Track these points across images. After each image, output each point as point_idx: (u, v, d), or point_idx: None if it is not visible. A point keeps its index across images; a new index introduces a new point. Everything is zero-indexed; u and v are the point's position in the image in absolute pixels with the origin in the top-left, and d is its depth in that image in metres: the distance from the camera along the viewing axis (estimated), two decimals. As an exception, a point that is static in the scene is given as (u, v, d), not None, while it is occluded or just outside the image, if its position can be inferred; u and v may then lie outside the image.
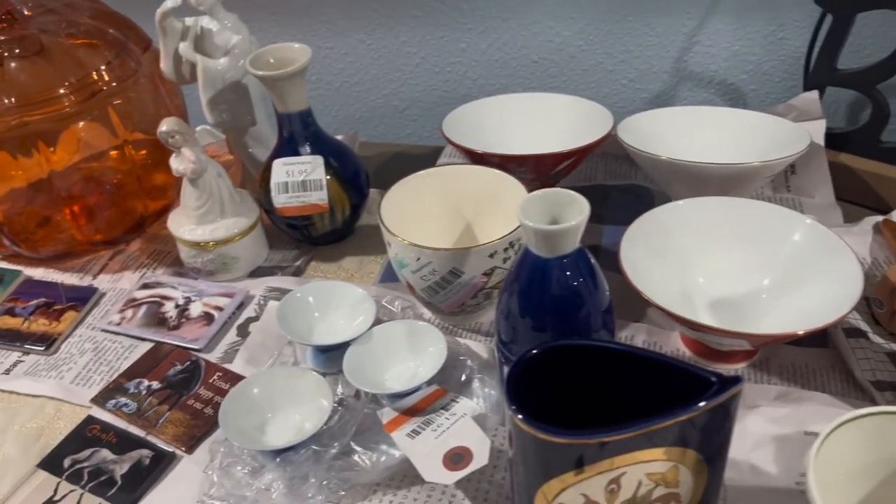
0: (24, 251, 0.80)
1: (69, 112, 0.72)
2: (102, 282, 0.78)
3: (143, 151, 0.80)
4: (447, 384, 0.59)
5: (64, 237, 0.80)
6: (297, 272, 0.77)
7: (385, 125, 1.06)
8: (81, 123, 0.73)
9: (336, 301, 0.66)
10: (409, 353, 0.62)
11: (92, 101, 0.73)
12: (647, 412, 0.42)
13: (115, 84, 0.75)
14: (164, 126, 0.70)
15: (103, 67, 0.74)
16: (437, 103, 1.01)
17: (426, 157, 0.92)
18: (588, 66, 0.92)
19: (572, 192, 0.51)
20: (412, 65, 0.99)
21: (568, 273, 0.51)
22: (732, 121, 0.81)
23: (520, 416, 0.42)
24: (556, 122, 0.84)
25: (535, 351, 0.44)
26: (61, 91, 0.71)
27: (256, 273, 0.78)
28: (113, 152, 0.76)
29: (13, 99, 0.70)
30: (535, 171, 0.77)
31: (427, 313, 0.69)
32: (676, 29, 0.87)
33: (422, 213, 0.70)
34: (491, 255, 0.61)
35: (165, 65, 0.80)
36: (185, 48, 0.77)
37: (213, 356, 0.68)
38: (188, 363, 0.67)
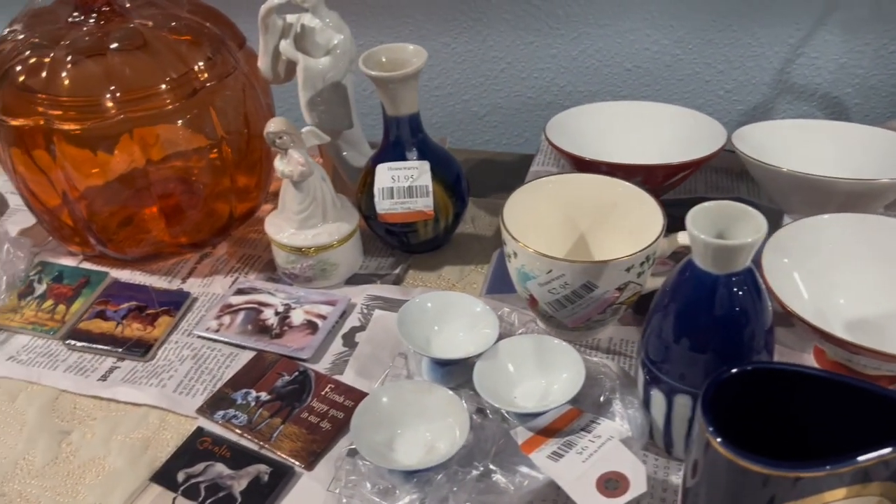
0: (110, 251, 0.77)
1: (170, 110, 0.69)
2: (193, 286, 0.76)
3: (230, 150, 0.78)
4: (581, 404, 0.56)
5: (149, 238, 0.77)
6: (397, 280, 0.75)
7: (462, 130, 1.03)
8: (180, 121, 0.71)
9: (454, 313, 0.63)
10: (538, 370, 0.59)
11: (192, 100, 0.70)
12: (840, 445, 0.39)
13: (214, 82, 0.72)
14: (272, 126, 0.68)
15: (202, 64, 0.72)
16: (520, 110, 0.99)
17: (513, 165, 0.89)
18: (684, 76, 0.90)
19: (745, 206, 0.48)
20: (497, 70, 0.96)
21: (737, 291, 0.48)
22: (844, 135, 0.78)
23: (719, 440, 0.39)
24: (661, 132, 0.81)
25: (733, 371, 0.42)
26: (162, 87, 0.69)
27: (353, 280, 0.75)
28: (211, 153, 0.74)
29: (117, 93, 0.67)
30: (646, 182, 0.74)
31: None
32: (782, 40, 0.85)
33: (538, 223, 0.67)
34: (627, 270, 0.58)
35: (263, 63, 0.77)
36: (286, 46, 0.75)
37: (321, 367, 0.65)
38: (296, 374, 0.64)
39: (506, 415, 0.57)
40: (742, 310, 0.48)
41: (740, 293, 0.48)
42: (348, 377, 0.64)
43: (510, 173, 0.88)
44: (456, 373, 0.61)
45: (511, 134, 1.01)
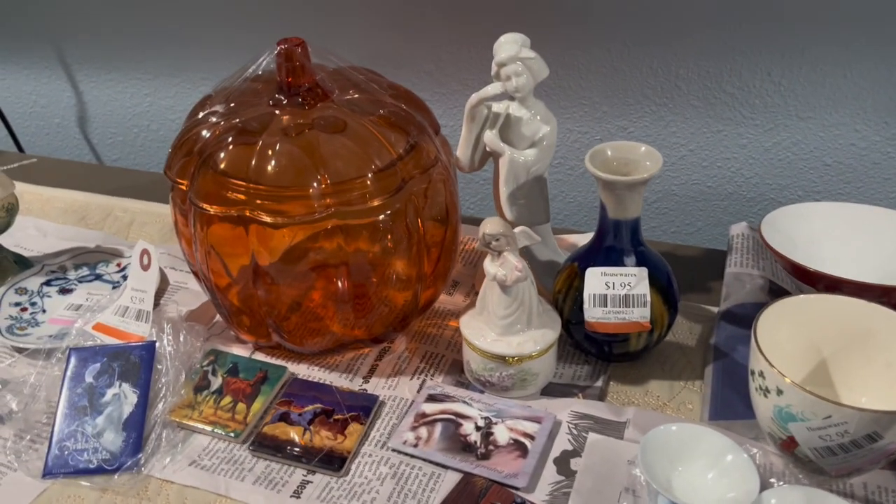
0: (286, 342, 0.72)
1: (376, 206, 0.65)
2: (377, 387, 0.70)
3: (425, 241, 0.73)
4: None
5: (321, 327, 0.72)
6: (601, 395, 0.68)
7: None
8: (382, 216, 0.66)
9: (696, 449, 0.57)
10: (812, 531, 0.52)
11: (397, 196, 0.65)
12: None
13: (417, 173, 0.67)
14: (489, 228, 0.63)
15: (403, 152, 0.67)
16: (696, 199, 0.93)
17: (700, 261, 0.83)
18: (891, 175, 0.83)
19: None
20: (677, 156, 0.90)
21: None
22: None
23: None
24: (885, 242, 0.74)
25: None
26: (369, 177, 0.64)
27: (549, 390, 0.69)
28: (409, 244, 0.69)
29: (324, 184, 0.63)
30: (883, 303, 0.67)
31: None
32: None
33: (780, 346, 0.60)
34: (921, 420, 0.51)
35: (463, 152, 0.73)
36: (491, 138, 0.70)
37: (538, 498, 0.58)
38: (514, 506, 0.58)
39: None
40: None
41: None
42: (574, 514, 0.57)
43: (698, 270, 0.82)
44: (704, 522, 0.54)
45: (682, 223, 0.95)
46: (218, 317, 0.79)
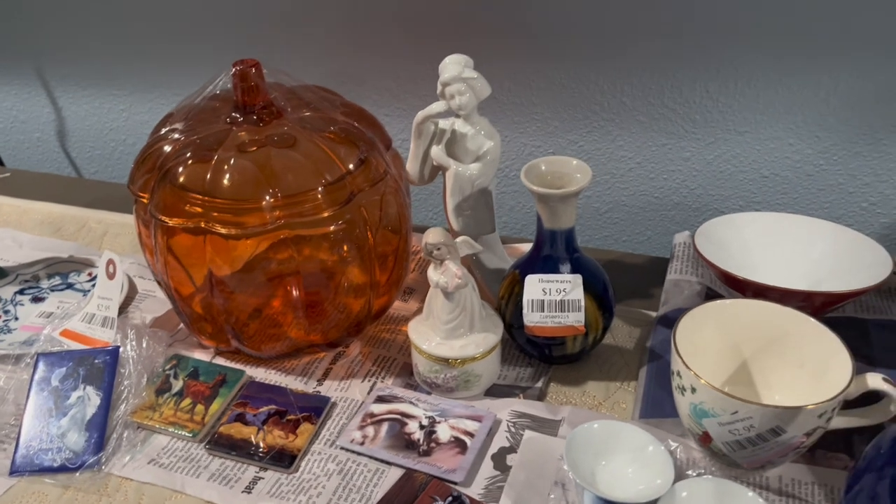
0: (246, 348, 0.76)
1: (326, 217, 0.69)
2: (330, 389, 0.74)
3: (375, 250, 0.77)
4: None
5: (280, 333, 0.76)
6: (541, 395, 0.72)
7: (580, 224, 1.01)
8: (332, 227, 0.70)
9: (621, 445, 0.61)
10: (721, 519, 0.56)
11: (347, 207, 0.69)
12: None
13: (367, 186, 0.71)
14: (431, 238, 0.67)
15: (354, 167, 0.71)
16: (644, 209, 0.97)
17: (644, 268, 0.87)
18: (825, 186, 0.87)
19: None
20: (625, 169, 0.95)
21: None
22: None
23: None
24: (811, 250, 0.78)
25: None
26: (319, 190, 0.68)
27: (493, 391, 0.73)
28: (360, 253, 0.72)
29: (277, 195, 0.67)
30: (801, 308, 0.71)
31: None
32: (938, 155, 0.82)
33: (703, 348, 0.64)
34: (820, 416, 0.55)
35: (412, 166, 0.77)
36: (438, 152, 0.74)
37: (473, 492, 0.62)
38: (450, 499, 0.61)
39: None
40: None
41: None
42: (505, 506, 0.61)
43: (643, 277, 0.86)
44: (625, 513, 0.58)
45: (632, 231, 0.99)
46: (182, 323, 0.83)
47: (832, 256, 0.77)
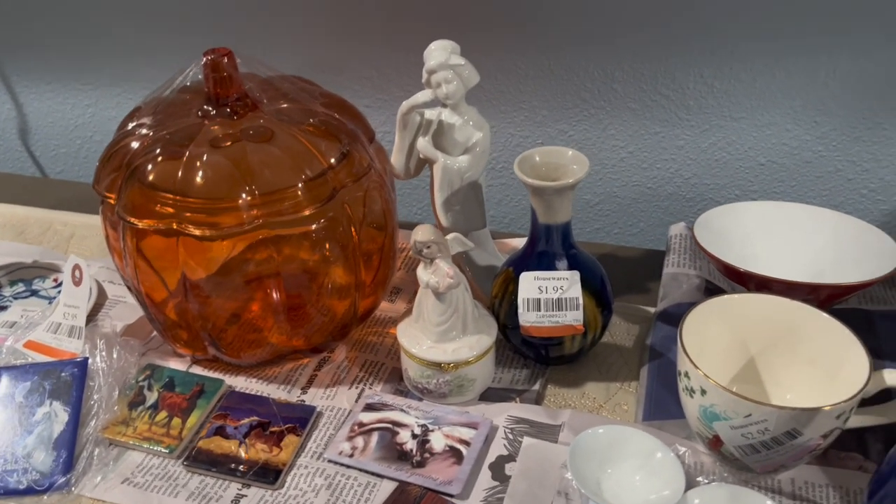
0: (224, 356, 0.72)
1: (307, 216, 0.65)
2: (315, 397, 0.70)
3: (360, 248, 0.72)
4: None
5: (260, 338, 0.72)
6: (538, 399, 0.68)
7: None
8: (314, 225, 0.66)
9: (624, 450, 0.57)
10: (736, 529, 0.53)
11: (329, 204, 0.65)
12: None
13: (350, 182, 0.67)
14: (420, 235, 0.63)
15: (336, 161, 0.67)
16: (637, 200, 0.94)
17: (640, 261, 0.84)
18: (824, 173, 0.85)
19: None
20: (616, 159, 0.91)
21: None
22: None
23: None
24: (814, 239, 0.75)
25: None
26: (299, 187, 0.64)
27: (487, 395, 0.69)
28: (344, 252, 0.68)
29: (253, 193, 0.62)
30: (806, 301, 0.68)
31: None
32: (940, 139, 0.80)
33: (708, 345, 0.61)
34: (838, 416, 0.52)
35: (397, 159, 0.73)
36: (424, 145, 0.70)
37: (472, 504, 0.59)
38: (447, 514, 0.58)
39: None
40: None
41: None
42: (507, 520, 0.58)
43: (638, 271, 0.82)
44: (633, 523, 0.54)
45: (624, 223, 0.96)
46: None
47: (835, 246, 0.74)
